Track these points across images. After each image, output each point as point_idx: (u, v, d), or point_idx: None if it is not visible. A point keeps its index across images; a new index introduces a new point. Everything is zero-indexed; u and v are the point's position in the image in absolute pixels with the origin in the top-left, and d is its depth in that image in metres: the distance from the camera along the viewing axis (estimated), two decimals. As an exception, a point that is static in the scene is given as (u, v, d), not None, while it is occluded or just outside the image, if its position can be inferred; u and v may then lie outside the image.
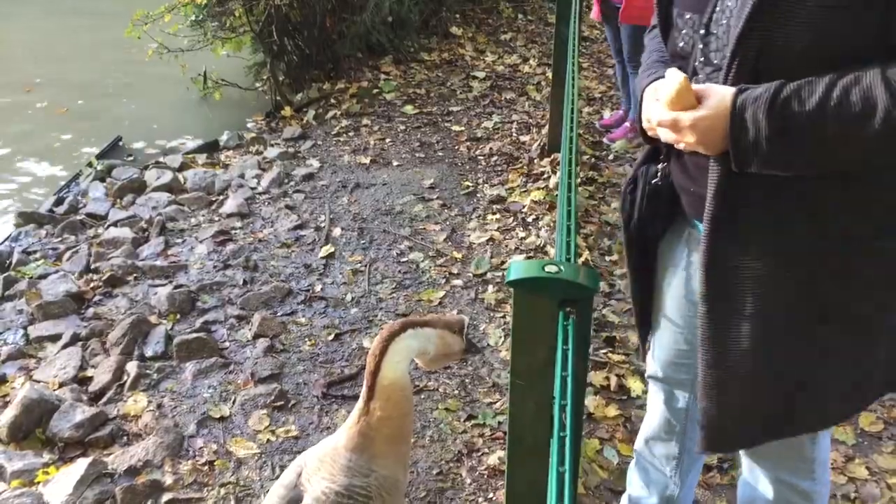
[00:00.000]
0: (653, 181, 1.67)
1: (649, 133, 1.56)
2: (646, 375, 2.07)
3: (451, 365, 3.23)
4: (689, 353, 1.83)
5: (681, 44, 1.54)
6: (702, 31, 1.46)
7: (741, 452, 1.88)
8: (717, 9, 1.43)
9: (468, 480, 2.66)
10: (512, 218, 4.39)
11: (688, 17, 1.51)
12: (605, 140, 5.42)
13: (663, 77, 1.48)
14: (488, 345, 3.37)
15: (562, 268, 1.38)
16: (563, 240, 1.65)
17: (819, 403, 1.55)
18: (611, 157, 5.21)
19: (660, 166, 1.64)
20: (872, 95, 1.23)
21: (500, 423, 2.90)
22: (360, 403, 1.87)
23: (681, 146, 1.45)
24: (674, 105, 1.40)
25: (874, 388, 1.59)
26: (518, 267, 1.39)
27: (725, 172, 1.41)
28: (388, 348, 1.81)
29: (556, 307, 1.37)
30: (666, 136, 1.46)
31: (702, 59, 1.47)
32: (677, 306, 1.78)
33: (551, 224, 4.19)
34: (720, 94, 1.35)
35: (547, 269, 1.37)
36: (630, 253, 1.81)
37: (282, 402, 3.06)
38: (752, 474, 1.85)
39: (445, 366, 1.96)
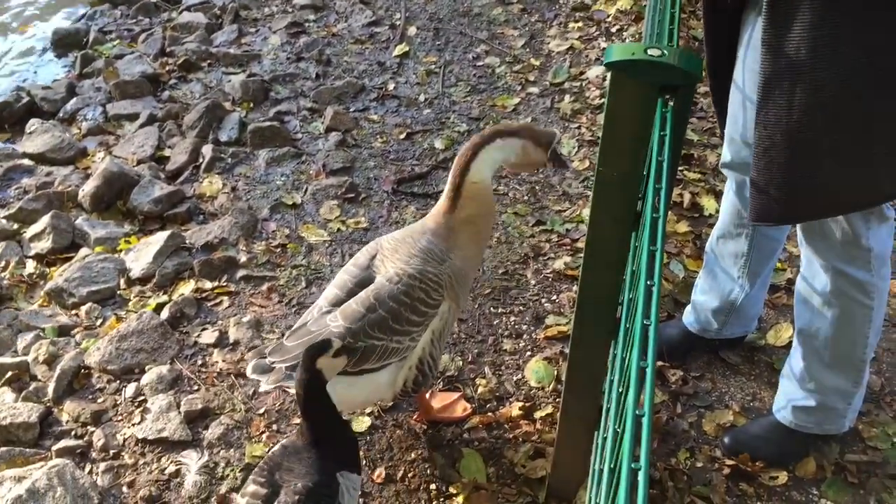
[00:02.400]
0: None
1: None
2: (719, 165, 2.03)
3: (527, 172, 3.21)
4: None
5: None
6: None
7: (801, 243, 1.85)
8: None
9: (532, 282, 2.70)
10: (595, 27, 4.18)
11: None
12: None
13: None
14: (561, 154, 3.31)
15: (665, 52, 1.30)
16: (666, 25, 1.55)
17: (867, 177, 1.53)
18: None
19: None
20: None
21: (567, 230, 2.90)
22: (443, 202, 1.94)
23: None
24: None
25: None
26: (619, 49, 1.31)
27: None
28: (477, 154, 1.89)
29: (655, 92, 1.30)
30: None
31: None
32: (753, 80, 1.72)
33: (637, 35, 3.99)
34: None
35: (650, 52, 1.29)
36: (707, 21, 1.77)
37: (352, 195, 3.10)
38: (810, 268, 1.83)
39: (530, 172, 2.14)
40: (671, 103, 1.32)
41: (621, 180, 1.40)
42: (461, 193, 1.91)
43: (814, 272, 1.81)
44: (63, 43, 4.28)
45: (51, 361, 2.39)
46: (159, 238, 2.75)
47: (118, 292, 2.67)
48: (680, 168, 3.15)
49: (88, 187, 3.00)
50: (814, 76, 1.42)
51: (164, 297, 2.62)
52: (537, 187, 3.13)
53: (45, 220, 2.84)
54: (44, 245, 2.80)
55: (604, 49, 3.99)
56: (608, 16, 4.23)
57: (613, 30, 4.12)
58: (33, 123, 3.46)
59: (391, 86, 3.81)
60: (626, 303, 1.33)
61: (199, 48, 4.05)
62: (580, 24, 4.21)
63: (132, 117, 3.56)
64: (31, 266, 2.78)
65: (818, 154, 1.49)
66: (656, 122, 1.29)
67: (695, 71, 1.31)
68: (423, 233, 1.94)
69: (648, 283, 0.99)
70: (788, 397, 2.04)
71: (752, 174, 1.55)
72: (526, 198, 3.08)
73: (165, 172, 3.21)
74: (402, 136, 3.46)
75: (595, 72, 3.78)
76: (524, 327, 2.53)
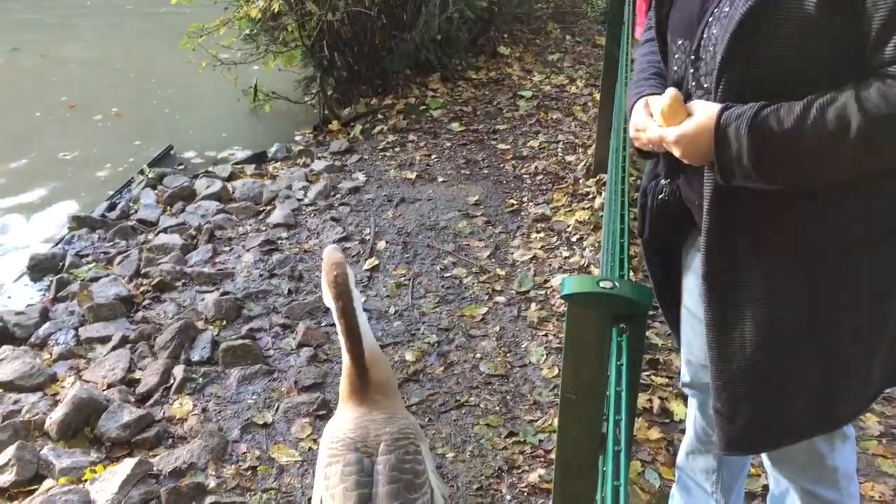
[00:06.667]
0: (660, 196, 1.71)
1: (637, 145, 1.63)
2: (680, 384, 2.07)
3: (491, 382, 3.24)
4: None
5: (675, 67, 1.61)
6: (692, 57, 1.53)
7: (767, 466, 1.87)
8: (705, 35, 1.49)
9: (508, 497, 2.65)
10: (556, 237, 4.38)
11: (680, 42, 1.58)
12: (651, 162, 5.40)
13: (647, 95, 1.61)
14: (530, 362, 3.37)
15: (617, 283, 1.38)
16: (616, 256, 1.65)
17: (826, 404, 1.57)
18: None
19: (663, 181, 1.68)
20: (846, 114, 1.29)
21: (540, 440, 2.90)
22: (352, 382, 1.98)
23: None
24: (667, 119, 1.49)
25: (875, 385, 1.61)
26: (572, 281, 1.40)
27: (720, 186, 1.47)
28: (353, 315, 1.95)
29: (610, 323, 1.37)
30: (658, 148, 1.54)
31: (693, 83, 1.55)
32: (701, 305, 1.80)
33: (595, 244, 4.18)
34: (707, 111, 1.42)
35: (602, 284, 1.38)
36: (649, 261, 1.86)
37: (324, 412, 3.09)
38: (779, 487, 1.87)
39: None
40: (626, 332, 1.39)
41: (584, 406, 1.44)
42: (366, 367, 1.96)
43: (783, 492, 1.83)
44: (39, 268, 4.37)
45: None
46: (126, 466, 2.70)
47: (81, 526, 2.58)
48: (647, 373, 3.21)
49: (56, 415, 2.97)
50: (768, 313, 1.50)
51: (129, 530, 2.54)
52: (508, 397, 3.16)
53: (10, 452, 2.78)
54: (7, 478, 2.72)
55: (566, 257, 4.17)
56: (568, 226, 4.44)
57: (574, 239, 4.31)
58: (4, 351, 3.46)
59: (362, 299, 3.90)
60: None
61: (174, 268, 4.16)
62: (542, 234, 4.42)
63: (104, 340, 3.58)
64: (-9, 500, 2.70)
65: (779, 384, 1.55)
66: (613, 351, 1.34)
67: (645, 301, 1.38)
68: (359, 419, 1.96)
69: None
70: None
71: (716, 405, 1.60)
72: (497, 408, 3.09)
73: (135, 395, 3.19)
74: (374, 350, 3.50)
75: (559, 280, 3.92)
76: (502, 547, 2.47)
